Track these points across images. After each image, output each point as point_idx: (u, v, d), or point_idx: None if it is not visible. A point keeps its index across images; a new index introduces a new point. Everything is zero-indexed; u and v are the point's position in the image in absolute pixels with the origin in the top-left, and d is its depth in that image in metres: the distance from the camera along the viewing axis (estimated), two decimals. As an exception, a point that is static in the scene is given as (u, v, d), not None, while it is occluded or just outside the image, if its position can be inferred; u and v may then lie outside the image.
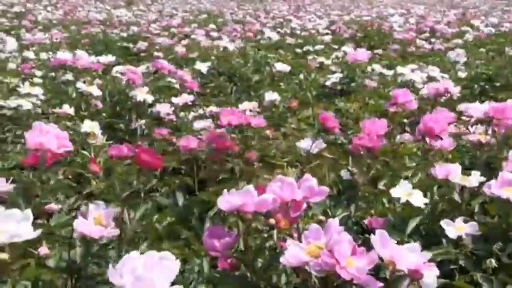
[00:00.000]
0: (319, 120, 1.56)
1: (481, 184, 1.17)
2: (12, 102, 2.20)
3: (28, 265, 0.89)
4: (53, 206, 1.18)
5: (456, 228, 1.09)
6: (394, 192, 1.18)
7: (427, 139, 1.36)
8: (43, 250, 0.96)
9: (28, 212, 0.83)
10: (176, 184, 1.53)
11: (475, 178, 1.19)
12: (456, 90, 1.97)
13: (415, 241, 0.93)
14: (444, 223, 1.11)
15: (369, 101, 2.78)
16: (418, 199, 1.18)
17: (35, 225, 0.85)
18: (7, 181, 1.24)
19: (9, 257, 0.81)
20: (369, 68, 3.31)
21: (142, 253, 0.71)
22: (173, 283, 0.69)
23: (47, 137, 1.15)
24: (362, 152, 1.36)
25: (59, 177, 1.34)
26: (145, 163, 1.14)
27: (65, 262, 0.98)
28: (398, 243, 0.83)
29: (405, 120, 1.98)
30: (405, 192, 1.18)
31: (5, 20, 7.16)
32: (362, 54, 3.13)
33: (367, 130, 1.41)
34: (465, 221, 1.11)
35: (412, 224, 1.14)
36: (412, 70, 3.07)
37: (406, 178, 1.37)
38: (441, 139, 1.35)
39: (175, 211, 1.33)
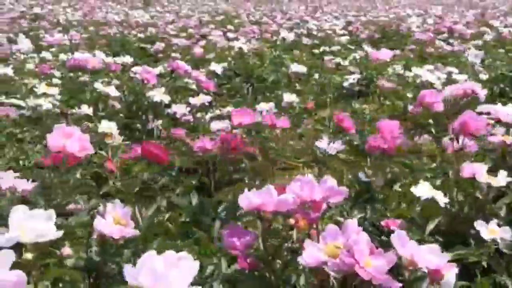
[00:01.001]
0: (334, 120, 1.55)
1: (509, 184, 1.16)
2: (31, 102, 2.22)
3: (50, 265, 0.89)
4: (72, 205, 1.19)
5: (489, 231, 1.09)
6: (416, 190, 1.17)
7: (459, 138, 1.34)
8: (66, 250, 0.96)
9: (52, 212, 0.84)
10: (191, 184, 1.53)
11: (502, 178, 1.18)
12: (483, 92, 1.94)
13: (434, 241, 0.92)
14: (478, 224, 1.09)
15: (387, 102, 2.76)
16: (440, 198, 1.17)
17: (56, 225, 0.85)
18: (27, 181, 1.26)
19: (33, 257, 0.81)
20: (389, 70, 3.29)
21: (159, 252, 0.71)
22: (191, 283, 0.69)
23: (69, 140, 1.16)
24: (377, 153, 1.35)
25: (78, 177, 1.35)
26: (151, 155, 1.14)
27: (83, 261, 0.98)
28: (417, 242, 0.82)
29: (430, 121, 1.95)
30: (427, 190, 1.17)
31: (24, 21, 7.24)
32: (385, 54, 3.10)
33: (382, 131, 1.40)
34: (498, 225, 1.10)
35: (432, 224, 1.13)
36: (431, 71, 3.05)
37: (425, 179, 1.36)
38: (475, 137, 1.33)
39: (189, 210, 1.33)
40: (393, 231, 0.86)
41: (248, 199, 0.91)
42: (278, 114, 2.28)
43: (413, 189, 1.18)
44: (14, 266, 0.71)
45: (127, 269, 0.68)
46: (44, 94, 2.29)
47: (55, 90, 2.36)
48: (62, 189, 1.23)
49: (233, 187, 1.42)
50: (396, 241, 0.80)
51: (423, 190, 1.17)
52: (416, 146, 1.60)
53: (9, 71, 2.59)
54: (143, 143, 1.27)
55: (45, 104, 2.21)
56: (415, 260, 0.79)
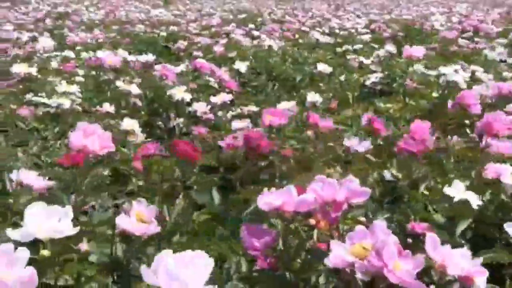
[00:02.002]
0: (368, 122, 1.53)
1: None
2: (54, 101, 2.24)
3: (70, 261, 0.90)
4: (94, 203, 1.20)
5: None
6: (448, 190, 1.15)
7: (483, 138, 1.32)
8: (84, 246, 0.97)
9: (69, 208, 0.84)
10: (214, 182, 1.53)
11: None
12: None
13: (462, 244, 0.90)
14: (507, 226, 1.07)
15: (410, 102, 2.72)
16: (473, 200, 1.15)
17: (76, 222, 0.85)
18: (49, 178, 1.26)
19: (50, 253, 0.82)
20: (414, 67, 3.25)
21: (179, 250, 0.71)
22: (207, 282, 0.68)
23: (91, 139, 1.16)
24: (406, 156, 1.33)
25: (99, 174, 1.35)
26: (183, 153, 1.14)
27: (107, 258, 0.99)
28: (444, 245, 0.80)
29: (466, 121, 1.91)
30: (459, 190, 1.14)
31: (49, 21, 7.33)
32: (418, 50, 3.04)
33: (414, 133, 1.38)
34: None
35: (461, 226, 1.11)
36: (455, 70, 3.00)
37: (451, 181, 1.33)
38: (498, 138, 1.31)
39: (213, 208, 1.32)
40: (419, 234, 0.84)
41: (268, 199, 0.90)
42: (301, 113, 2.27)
43: (446, 189, 1.15)
44: (31, 262, 0.72)
45: (144, 270, 0.68)
46: (65, 93, 2.30)
47: (75, 88, 2.37)
48: (83, 187, 1.23)
49: (258, 186, 1.41)
50: (428, 244, 0.79)
51: (456, 190, 1.15)
52: (446, 147, 1.57)
53: (33, 69, 2.61)
54: (176, 141, 1.26)
55: (67, 102, 2.22)
56: (445, 265, 0.77)
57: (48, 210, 0.83)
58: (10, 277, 0.68)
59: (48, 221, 0.82)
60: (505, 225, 1.06)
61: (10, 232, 0.81)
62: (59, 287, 0.88)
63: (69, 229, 0.83)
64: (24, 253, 0.71)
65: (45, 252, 0.81)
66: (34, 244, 0.81)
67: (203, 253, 0.71)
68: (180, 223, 1.13)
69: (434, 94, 2.67)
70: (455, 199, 1.14)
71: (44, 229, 0.81)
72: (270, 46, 4.26)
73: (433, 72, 3.17)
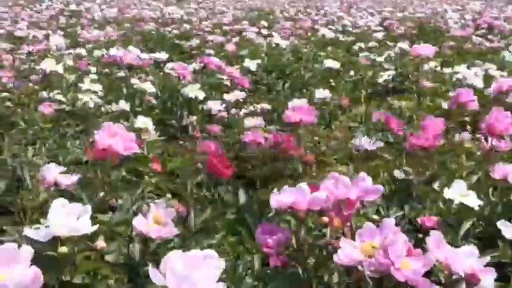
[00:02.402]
0: (381, 120, 1.53)
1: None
2: (69, 99, 2.26)
3: (86, 258, 0.91)
4: (115, 201, 1.21)
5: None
6: (448, 193, 1.15)
7: (488, 138, 1.32)
8: (100, 244, 0.98)
9: (88, 207, 0.85)
10: (239, 181, 1.54)
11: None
12: None
13: (469, 243, 0.90)
14: (501, 224, 1.07)
15: (423, 100, 2.72)
16: (472, 200, 1.15)
17: (96, 221, 0.86)
18: (70, 175, 1.27)
19: (69, 250, 0.83)
20: (425, 66, 3.23)
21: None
22: (219, 280, 0.68)
23: (116, 139, 1.17)
24: (418, 152, 1.33)
25: (121, 173, 1.36)
26: (215, 170, 1.14)
27: (123, 258, 0.99)
28: (451, 244, 0.80)
29: (466, 119, 1.91)
30: (459, 192, 1.15)
31: (62, 18, 7.37)
32: (427, 49, 3.01)
33: (427, 129, 1.37)
34: None
35: (465, 226, 1.11)
36: (469, 68, 2.98)
37: (462, 178, 1.33)
38: (503, 138, 1.30)
39: (237, 208, 1.33)
40: (428, 228, 0.84)
41: (280, 198, 0.90)
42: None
43: (446, 191, 1.15)
44: (50, 258, 0.73)
45: (152, 271, 0.68)
46: (87, 90, 2.32)
47: (98, 87, 2.39)
48: (104, 185, 1.24)
49: (276, 184, 1.41)
50: (431, 244, 0.79)
51: (456, 192, 1.15)
52: (455, 144, 1.56)
53: (59, 67, 2.63)
54: (210, 154, 1.26)
55: (86, 100, 2.24)
56: (449, 263, 0.77)
57: (68, 207, 0.84)
58: (12, 277, 0.68)
59: (67, 218, 0.83)
60: (498, 223, 1.06)
61: (29, 231, 0.82)
62: (75, 285, 0.89)
63: (87, 227, 0.84)
64: (28, 251, 0.70)
65: (63, 249, 0.82)
66: (53, 241, 0.82)
67: (213, 252, 0.71)
68: (207, 226, 1.14)
69: (451, 93, 2.65)
70: (455, 202, 1.14)
71: (63, 227, 0.82)
72: (277, 44, 4.26)
73: (446, 70, 3.15)
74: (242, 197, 1.38)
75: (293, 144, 1.55)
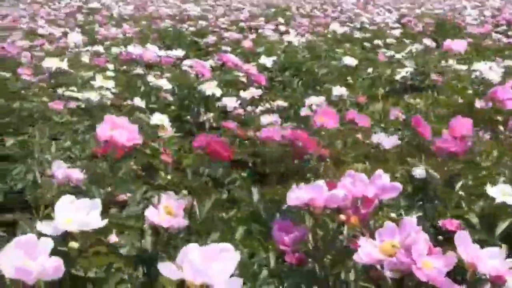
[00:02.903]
0: (412, 123, 1.51)
1: None
2: (85, 95, 2.27)
3: (99, 253, 0.91)
4: (124, 196, 1.21)
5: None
6: (491, 191, 1.13)
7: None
8: (113, 238, 0.98)
9: (98, 201, 0.86)
10: (252, 178, 1.53)
11: None
12: None
13: (497, 244, 0.89)
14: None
15: (441, 97, 2.68)
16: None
17: (107, 215, 0.86)
18: (81, 171, 1.28)
19: (80, 245, 0.83)
20: (446, 62, 3.20)
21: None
22: (232, 275, 0.68)
23: (118, 130, 1.17)
24: (443, 155, 1.30)
25: (129, 167, 1.37)
26: (215, 153, 1.14)
27: (136, 251, 1.00)
28: (480, 245, 0.79)
29: (499, 118, 1.87)
30: (502, 191, 1.13)
31: (80, 16, 7.43)
32: (459, 44, 2.96)
33: (454, 130, 1.34)
34: None
35: (502, 226, 1.09)
36: (489, 66, 2.94)
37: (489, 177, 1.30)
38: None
39: (250, 205, 1.32)
40: (449, 231, 0.83)
41: (297, 195, 0.90)
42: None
43: (489, 189, 1.13)
44: (60, 254, 0.73)
45: (161, 265, 0.68)
46: (101, 87, 2.33)
47: (111, 83, 2.40)
48: (113, 179, 1.24)
49: (291, 181, 1.41)
50: (458, 242, 0.77)
51: (497, 191, 1.13)
52: (480, 144, 1.54)
53: (64, 64, 2.66)
54: (203, 137, 1.27)
55: (98, 96, 2.25)
56: (475, 263, 0.76)
57: (77, 202, 0.85)
58: (35, 266, 0.70)
59: (77, 213, 0.83)
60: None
61: (40, 226, 0.82)
62: (88, 279, 0.89)
63: (98, 222, 0.84)
64: (48, 243, 0.72)
65: (74, 244, 0.82)
66: (64, 236, 0.82)
67: (230, 246, 0.71)
68: (210, 218, 1.14)
69: (469, 91, 2.62)
70: (497, 201, 1.12)
71: (73, 222, 0.82)
72: (293, 41, 4.24)
73: (465, 67, 3.12)
74: (256, 194, 1.38)
75: (310, 141, 1.54)
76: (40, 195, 1.34)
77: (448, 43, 3.08)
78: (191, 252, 0.69)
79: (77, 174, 1.26)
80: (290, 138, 1.55)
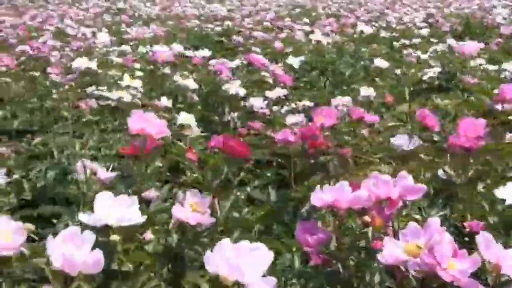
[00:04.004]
0: (417, 117, 1.50)
1: None
2: (114, 94, 2.30)
3: (132, 248, 0.93)
4: (151, 193, 1.23)
5: None
6: (500, 193, 1.11)
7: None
8: (148, 235, 1.00)
9: (134, 198, 0.87)
10: (269, 177, 1.54)
11: None
12: None
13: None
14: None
15: (470, 98, 2.65)
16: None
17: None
18: (107, 169, 1.31)
19: (119, 240, 0.85)
20: (471, 63, 3.16)
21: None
22: (264, 274, 0.70)
23: (148, 123, 1.20)
24: (459, 152, 1.29)
25: (156, 165, 1.39)
26: (232, 150, 1.15)
27: (162, 247, 1.01)
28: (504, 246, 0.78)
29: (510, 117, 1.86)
30: (511, 193, 1.11)
31: (108, 16, 7.52)
32: (471, 47, 2.91)
33: (463, 130, 1.33)
34: None
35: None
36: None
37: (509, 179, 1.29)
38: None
39: (268, 204, 1.33)
40: (474, 233, 0.83)
41: (321, 196, 0.90)
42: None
43: (497, 191, 1.12)
44: (101, 247, 0.75)
45: (207, 257, 0.70)
46: (128, 87, 2.36)
47: (138, 83, 2.43)
48: (140, 177, 1.26)
49: (311, 181, 1.41)
50: (481, 243, 0.77)
51: (506, 193, 1.11)
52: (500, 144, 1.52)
53: (93, 64, 2.70)
54: (222, 137, 1.28)
55: (127, 96, 2.28)
56: (500, 265, 0.76)
57: (116, 198, 0.87)
58: (78, 257, 0.72)
59: (117, 208, 0.85)
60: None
61: (82, 216, 0.85)
62: (121, 273, 0.91)
63: (138, 217, 0.86)
64: (91, 236, 0.75)
65: (115, 237, 0.84)
66: (103, 231, 0.84)
67: (263, 245, 0.72)
68: (233, 218, 1.14)
69: (496, 91, 2.58)
70: (507, 202, 1.10)
71: (114, 216, 0.84)
72: (320, 41, 4.23)
73: (494, 67, 3.07)
74: (273, 194, 1.38)
75: (323, 138, 1.54)
76: (74, 192, 1.37)
77: (461, 46, 3.03)
78: (226, 248, 0.70)
79: (105, 172, 1.28)
80: (303, 134, 1.55)
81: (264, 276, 0.70)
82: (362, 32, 5.39)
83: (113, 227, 0.84)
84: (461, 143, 1.29)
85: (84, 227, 0.80)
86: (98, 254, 0.73)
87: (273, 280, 0.69)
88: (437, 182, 1.36)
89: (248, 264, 0.69)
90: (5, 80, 2.71)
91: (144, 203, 1.21)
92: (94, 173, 1.28)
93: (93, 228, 0.81)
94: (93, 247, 0.74)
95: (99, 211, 0.85)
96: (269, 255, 0.71)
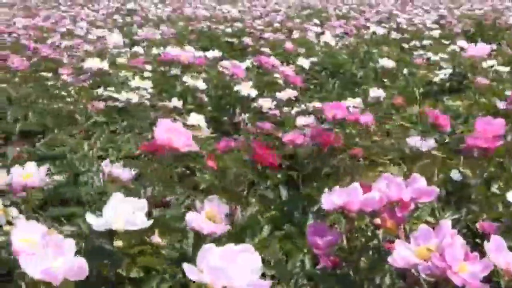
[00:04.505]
0: (430, 117, 1.49)
1: None
2: (123, 95, 2.30)
3: (142, 252, 0.92)
4: (167, 198, 1.22)
5: None
6: (510, 196, 1.10)
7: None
8: (155, 238, 1.00)
9: (144, 201, 0.87)
10: (279, 178, 1.53)
11: None
12: None
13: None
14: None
15: (481, 99, 2.63)
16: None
17: (150, 216, 0.87)
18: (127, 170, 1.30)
19: (124, 244, 0.84)
20: (483, 64, 3.13)
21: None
22: (266, 276, 0.68)
23: (175, 135, 1.18)
24: (475, 153, 1.28)
25: (176, 169, 1.38)
26: (262, 160, 1.14)
27: (177, 253, 1.01)
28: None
29: None
30: None
31: (118, 17, 7.55)
32: (481, 49, 2.87)
33: (481, 129, 1.32)
34: None
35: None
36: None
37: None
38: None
39: (279, 205, 1.33)
40: (487, 234, 0.82)
41: (332, 198, 0.89)
42: (364, 110, 2.24)
43: (508, 194, 1.11)
44: (107, 252, 0.75)
45: (186, 267, 0.67)
46: (138, 88, 2.37)
47: (148, 84, 2.43)
48: (158, 180, 1.25)
49: (321, 182, 1.40)
50: (490, 247, 0.76)
51: None
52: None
53: (105, 64, 2.71)
54: (253, 145, 1.27)
55: (136, 97, 2.29)
56: (510, 270, 0.74)
57: (124, 202, 0.86)
58: (58, 266, 0.71)
59: (124, 213, 0.85)
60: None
61: (90, 217, 0.84)
62: (130, 279, 0.90)
63: (143, 222, 0.85)
64: (71, 243, 0.73)
65: (119, 243, 0.84)
66: (110, 235, 0.84)
67: (250, 247, 0.69)
68: (251, 224, 1.14)
69: (508, 92, 2.56)
70: None
71: (120, 220, 0.84)
72: (330, 43, 4.22)
73: (505, 69, 3.05)
74: (284, 193, 1.38)
75: (334, 138, 1.53)
76: (83, 193, 1.37)
77: (470, 48, 3.00)
78: (209, 254, 0.67)
79: (125, 173, 1.27)
80: (313, 136, 1.55)
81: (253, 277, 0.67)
82: (374, 33, 5.38)
83: (118, 231, 0.84)
84: (479, 144, 1.27)
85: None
86: (80, 260, 0.71)
87: (266, 283, 0.67)
88: (450, 183, 1.34)
89: (234, 268, 0.66)
90: (16, 80, 2.73)
91: (162, 207, 1.21)
92: (109, 174, 1.28)
93: (98, 232, 0.81)
94: (100, 252, 0.73)
95: (107, 214, 0.84)
96: (258, 257, 0.68)
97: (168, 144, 1.15)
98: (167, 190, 1.25)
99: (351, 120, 1.83)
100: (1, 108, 2.33)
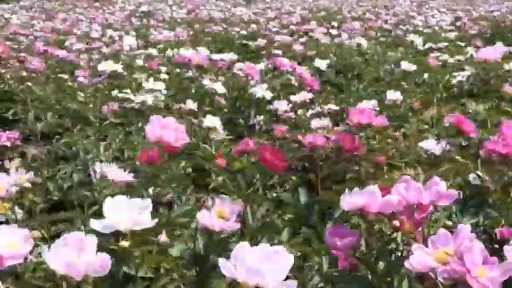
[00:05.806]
0: (452, 122, 1.47)
1: None
2: (138, 97, 2.31)
3: (150, 252, 0.92)
4: (172, 196, 1.22)
5: None
6: None
7: None
8: (162, 237, 1.00)
9: (148, 201, 0.87)
10: (297, 181, 1.53)
11: None
12: None
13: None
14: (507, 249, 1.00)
15: (501, 103, 2.60)
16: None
17: (156, 215, 0.87)
18: (130, 171, 1.30)
19: (130, 245, 0.85)
20: (506, 67, 3.09)
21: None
22: (287, 277, 0.68)
23: (166, 130, 1.19)
24: (494, 158, 1.27)
25: (179, 169, 1.38)
26: (268, 163, 1.14)
27: (188, 252, 1.01)
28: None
29: None
30: None
31: (134, 19, 7.59)
32: (493, 52, 2.85)
33: (504, 134, 1.29)
34: None
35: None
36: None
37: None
38: None
39: (297, 208, 1.32)
40: (506, 240, 0.81)
41: (351, 199, 0.89)
42: (381, 113, 2.22)
43: None
44: (111, 252, 0.75)
45: (222, 262, 0.68)
46: (151, 90, 2.38)
47: (162, 85, 2.44)
48: (163, 180, 1.26)
49: (341, 185, 1.39)
50: (509, 252, 0.75)
51: None
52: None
53: (118, 67, 2.72)
54: (244, 143, 1.27)
55: (151, 99, 2.29)
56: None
57: (128, 202, 0.86)
58: (81, 262, 0.72)
59: (128, 213, 0.85)
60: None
61: (94, 223, 0.84)
62: (139, 278, 0.90)
63: (148, 221, 0.85)
64: (93, 240, 0.75)
65: (124, 243, 0.84)
66: (116, 235, 0.84)
67: (283, 248, 0.71)
68: (264, 224, 1.14)
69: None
70: None
71: (124, 221, 0.84)
72: (345, 45, 4.20)
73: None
74: (303, 197, 1.37)
75: (356, 145, 1.53)
76: (88, 195, 1.38)
77: (483, 51, 2.96)
78: (244, 252, 0.69)
79: (126, 175, 1.28)
80: (336, 141, 1.54)
81: (287, 278, 0.68)
82: (389, 34, 5.35)
83: (123, 232, 0.84)
84: (498, 149, 1.25)
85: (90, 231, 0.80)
86: (104, 257, 0.73)
87: (294, 283, 0.68)
88: (468, 187, 1.33)
89: (268, 267, 0.68)
90: (33, 82, 2.75)
91: (165, 207, 1.21)
92: (105, 176, 1.28)
93: (103, 235, 0.81)
94: (105, 251, 0.74)
95: (110, 217, 0.84)
96: (291, 259, 0.70)
97: (160, 140, 1.16)
98: (173, 189, 1.25)
99: (377, 126, 1.83)
100: (23, 109, 2.37)
